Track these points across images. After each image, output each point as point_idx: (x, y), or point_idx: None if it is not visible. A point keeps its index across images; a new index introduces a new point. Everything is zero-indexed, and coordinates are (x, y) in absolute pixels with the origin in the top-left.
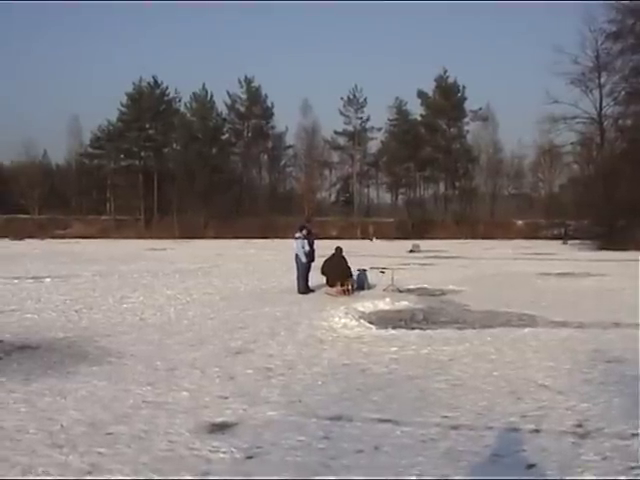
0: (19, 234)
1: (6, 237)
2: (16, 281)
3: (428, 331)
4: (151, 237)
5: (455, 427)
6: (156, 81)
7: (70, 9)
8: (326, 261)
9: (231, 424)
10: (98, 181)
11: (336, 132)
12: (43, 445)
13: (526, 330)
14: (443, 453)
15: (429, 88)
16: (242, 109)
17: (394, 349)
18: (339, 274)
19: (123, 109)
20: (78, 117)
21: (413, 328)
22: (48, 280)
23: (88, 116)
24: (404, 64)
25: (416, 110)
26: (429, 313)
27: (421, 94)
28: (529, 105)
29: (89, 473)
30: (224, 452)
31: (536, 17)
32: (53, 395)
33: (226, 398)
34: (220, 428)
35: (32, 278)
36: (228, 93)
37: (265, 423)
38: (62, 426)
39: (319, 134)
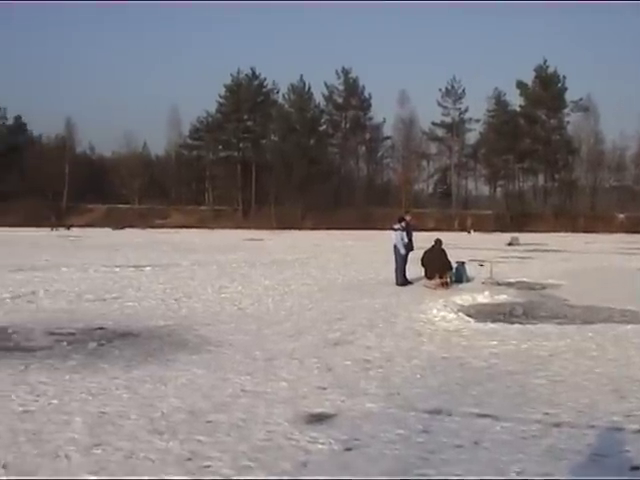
0: (120, 223)
1: (107, 227)
2: (117, 269)
3: (528, 326)
4: (249, 227)
5: (556, 424)
6: (254, 73)
7: (169, 4)
8: (426, 253)
9: (330, 415)
10: (197, 172)
11: (434, 123)
12: (144, 431)
13: (629, 327)
14: (544, 451)
15: (529, 78)
16: (340, 100)
17: (493, 343)
18: (438, 266)
19: (222, 101)
20: (177, 109)
21: (513, 322)
22: (148, 269)
23: (187, 108)
24: (503, 54)
25: (515, 101)
26: (529, 307)
27: (520, 85)
28: (632, 95)
29: (189, 460)
30: (322, 443)
31: (638, 4)
32: (154, 382)
33: (324, 389)
34: (318, 419)
35: (133, 267)
36: (326, 84)
37: (364, 415)
38: (163, 413)
39: (417, 125)
